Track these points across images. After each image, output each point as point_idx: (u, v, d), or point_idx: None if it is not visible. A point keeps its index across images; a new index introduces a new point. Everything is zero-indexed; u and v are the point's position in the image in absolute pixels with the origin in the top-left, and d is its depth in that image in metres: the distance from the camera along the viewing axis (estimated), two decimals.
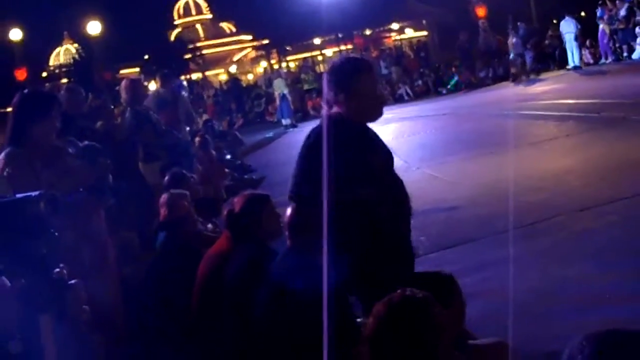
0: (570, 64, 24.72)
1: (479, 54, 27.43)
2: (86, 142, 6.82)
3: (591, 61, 25.13)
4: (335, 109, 4.21)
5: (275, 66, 49.92)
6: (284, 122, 24.88)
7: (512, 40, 25.96)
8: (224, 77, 42.65)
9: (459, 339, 3.54)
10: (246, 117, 28.19)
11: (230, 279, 4.72)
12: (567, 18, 25.33)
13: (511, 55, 26.30)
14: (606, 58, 24.91)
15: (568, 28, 24.95)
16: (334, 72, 4.27)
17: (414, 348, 2.76)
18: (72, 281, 3.04)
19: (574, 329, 5.09)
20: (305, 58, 38.46)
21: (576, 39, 24.83)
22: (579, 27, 25.09)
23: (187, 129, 11.69)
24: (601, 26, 25.22)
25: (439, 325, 2.83)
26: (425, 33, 41.81)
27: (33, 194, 2.92)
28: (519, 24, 26.60)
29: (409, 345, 2.76)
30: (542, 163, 10.68)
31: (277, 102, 25.46)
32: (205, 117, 23.02)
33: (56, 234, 2.93)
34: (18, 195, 2.96)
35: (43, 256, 2.87)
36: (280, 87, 25.03)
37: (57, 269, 2.95)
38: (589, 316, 5.14)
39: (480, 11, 30.25)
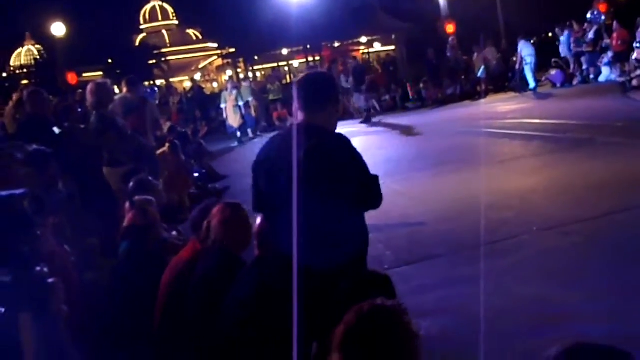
0: (532, 85, 24.94)
1: (447, 70, 27.59)
2: (34, 147, 6.68)
3: (558, 83, 25.35)
4: (304, 119, 4.20)
5: (242, 75, 49.94)
6: (238, 133, 24.66)
7: (479, 57, 26.20)
8: (188, 85, 42.46)
9: None
10: (210, 125, 28.03)
11: (196, 287, 4.66)
12: (523, 41, 25.52)
13: (479, 73, 26.53)
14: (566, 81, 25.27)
15: (527, 50, 25.22)
16: (315, 84, 4.33)
17: (385, 357, 2.73)
18: (51, 280, 2.99)
19: (535, 348, 5.11)
20: (272, 68, 38.38)
21: (532, 62, 25.08)
22: (533, 50, 25.39)
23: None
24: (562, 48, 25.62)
25: (411, 334, 2.81)
26: (393, 48, 42.03)
27: (17, 191, 2.87)
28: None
29: (380, 355, 2.73)
30: (508, 182, 10.73)
31: (240, 112, 25.23)
32: (169, 124, 22.85)
33: (38, 232, 2.88)
34: (2, 193, 2.91)
35: (25, 254, 2.83)
36: (246, 95, 24.88)
37: (39, 268, 2.91)
38: (549, 335, 5.15)
39: (450, 27, 30.46)
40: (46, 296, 2.88)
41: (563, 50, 26.02)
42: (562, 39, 26.13)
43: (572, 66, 25.61)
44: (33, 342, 2.73)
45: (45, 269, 2.93)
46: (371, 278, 3.82)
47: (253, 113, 24.97)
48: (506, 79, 26.86)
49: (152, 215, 5.94)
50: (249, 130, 24.44)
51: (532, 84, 24.88)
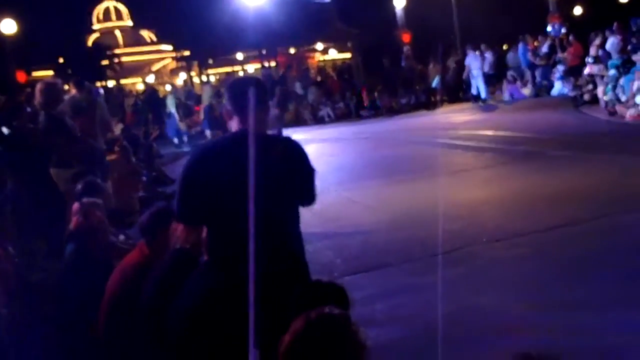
0: (483, 96, 25.16)
1: (402, 79, 27.73)
2: None
3: (514, 95, 25.61)
4: (242, 125, 4.14)
5: (195, 79, 49.68)
6: (175, 139, 24.61)
7: (435, 67, 26.40)
8: (141, 87, 42.12)
9: None
10: (162, 128, 27.80)
11: (153, 289, 4.56)
12: (471, 53, 25.72)
13: (434, 83, 26.70)
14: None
15: (474, 63, 25.39)
16: (259, 87, 4.27)
17: None
18: None
19: (484, 357, 5.14)
20: (227, 72, 38.26)
21: (484, 74, 25.33)
22: (487, 61, 25.63)
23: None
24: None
25: (358, 343, 2.79)
26: (349, 55, 42.14)
27: None
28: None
29: None
30: (460, 192, 10.78)
31: (202, 114, 25.14)
32: (120, 126, 22.58)
33: None
34: None
35: None
36: (209, 97, 24.77)
37: None
38: (498, 344, 5.19)
39: (405, 37, 30.64)
40: None
41: (513, 63, 26.39)
42: (511, 53, 26.53)
43: (525, 78, 25.92)
44: None
45: None
46: (326, 288, 3.79)
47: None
48: (461, 90, 27.06)
49: (98, 218, 5.83)
50: (208, 133, 24.36)
51: (483, 94, 25.11)
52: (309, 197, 4.22)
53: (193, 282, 4.20)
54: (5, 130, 8.48)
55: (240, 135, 4.03)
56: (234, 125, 4.16)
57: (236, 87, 4.29)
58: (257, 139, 4.02)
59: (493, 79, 26.36)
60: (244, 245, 3.63)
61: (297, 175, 4.11)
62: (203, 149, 4.40)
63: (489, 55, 26.13)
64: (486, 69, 25.55)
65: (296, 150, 4.18)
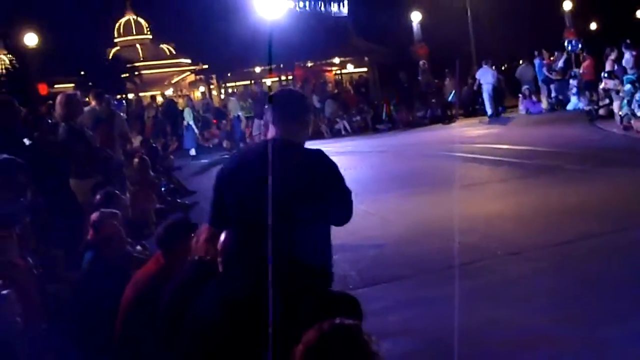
0: (488, 112, 25.20)
1: (418, 93, 27.77)
2: (4, 156, 6.59)
3: (529, 109, 25.61)
4: (279, 135, 4.20)
5: (214, 92, 49.85)
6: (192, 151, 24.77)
7: (451, 82, 26.46)
8: (160, 99, 42.34)
9: None
10: (180, 140, 27.92)
11: (169, 299, 4.61)
12: (484, 67, 25.84)
13: (450, 97, 26.75)
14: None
15: (485, 78, 25.45)
16: (291, 100, 4.43)
17: None
18: (5, 292, 2.94)
19: None
20: (245, 85, 38.38)
21: (494, 89, 25.36)
22: (497, 76, 25.65)
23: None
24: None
25: (370, 354, 2.81)
26: (366, 69, 42.19)
27: None
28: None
29: None
30: (475, 206, 10.79)
31: (229, 124, 25.25)
32: (139, 138, 22.71)
33: None
34: None
35: None
36: (235, 108, 24.88)
37: None
38: (513, 359, 5.18)
39: (422, 52, 30.69)
40: None
41: (524, 77, 26.41)
42: (523, 68, 26.55)
43: (542, 93, 25.94)
44: None
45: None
46: (339, 298, 3.82)
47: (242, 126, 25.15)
48: (476, 104, 27.08)
49: (115, 228, 5.90)
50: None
51: (488, 111, 25.12)
52: (338, 215, 4.22)
53: (208, 292, 4.25)
54: (26, 141, 8.57)
55: (271, 144, 4.09)
56: (270, 134, 4.28)
57: (275, 99, 4.42)
58: (288, 149, 4.11)
59: (509, 94, 26.38)
60: (262, 254, 3.70)
61: (324, 190, 4.09)
62: (236, 156, 4.49)
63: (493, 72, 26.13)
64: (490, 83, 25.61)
65: (326, 166, 4.17)
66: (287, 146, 4.13)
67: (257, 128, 23.94)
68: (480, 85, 25.38)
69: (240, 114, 24.83)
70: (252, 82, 39.76)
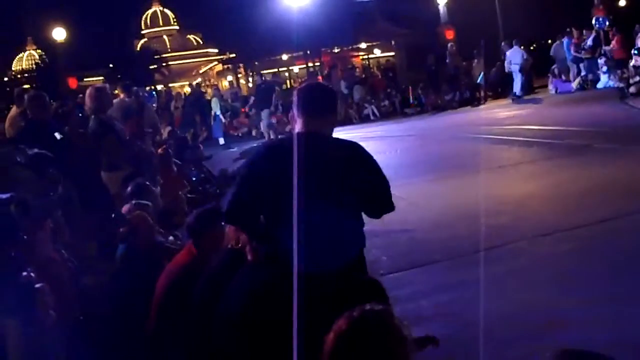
0: (517, 93, 25.03)
1: (446, 76, 27.63)
2: (35, 151, 6.66)
3: (559, 89, 25.42)
4: (306, 127, 4.23)
5: (242, 80, 49.96)
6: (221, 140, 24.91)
7: (479, 63, 26.31)
8: (188, 90, 42.60)
9: None
10: (210, 130, 28.04)
11: (202, 288, 4.64)
12: (515, 47, 25.67)
13: (478, 79, 26.59)
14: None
15: (515, 58, 25.31)
16: (319, 93, 4.46)
17: None
18: (39, 285, 2.98)
19: (532, 354, 5.14)
20: (273, 73, 38.43)
21: (521, 69, 25.20)
22: (525, 57, 25.46)
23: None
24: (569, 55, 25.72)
25: (402, 338, 2.81)
26: (393, 54, 42.05)
27: (3, 196, 2.86)
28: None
29: None
30: (505, 187, 10.75)
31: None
32: (169, 128, 22.83)
33: (25, 237, 2.87)
34: None
35: (11, 259, 2.81)
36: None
37: (25, 273, 2.89)
38: (546, 341, 5.16)
39: (449, 34, 30.51)
40: (32, 302, 2.85)
41: (558, 55, 26.21)
42: (556, 46, 26.34)
43: (571, 72, 25.69)
44: (19, 347, 2.71)
45: (32, 274, 2.91)
46: (359, 284, 3.83)
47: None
48: (506, 85, 26.88)
49: (147, 219, 5.96)
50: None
51: (517, 91, 24.98)
52: (375, 205, 4.28)
53: (239, 281, 4.28)
54: (57, 135, 8.67)
55: (300, 136, 4.15)
56: (297, 127, 4.30)
57: (301, 92, 4.42)
58: (319, 141, 4.13)
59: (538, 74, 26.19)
60: (291, 243, 3.72)
61: (358, 179, 4.12)
62: (266, 146, 4.53)
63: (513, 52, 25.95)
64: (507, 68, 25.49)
65: (360, 154, 4.23)
66: (318, 138, 4.17)
67: (266, 117, 23.76)
68: (510, 65, 25.26)
69: (279, 102, 24.74)
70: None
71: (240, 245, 4.42)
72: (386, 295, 3.86)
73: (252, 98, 25.75)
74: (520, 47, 25.81)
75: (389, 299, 3.89)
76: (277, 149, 4.41)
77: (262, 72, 37.95)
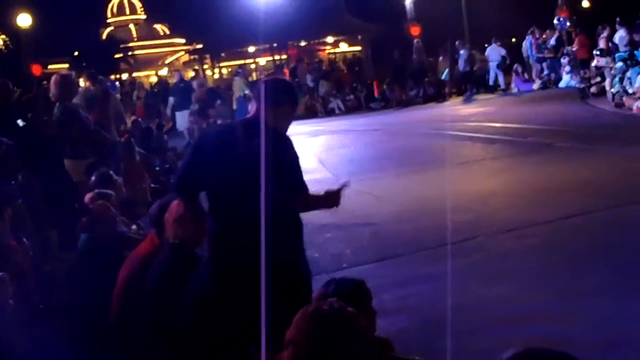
0: (499, 88, 25.45)
1: (412, 72, 27.73)
2: None
3: (519, 87, 25.73)
4: (256, 115, 4.36)
5: (208, 72, 49.70)
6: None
7: (444, 60, 26.54)
8: (154, 79, 42.21)
9: (382, 354, 3.56)
10: (174, 120, 27.84)
11: (151, 283, 4.65)
12: (493, 45, 26.15)
13: (443, 75, 26.76)
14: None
15: (493, 55, 25.81)
16: (281, 87, 4.62)
17: (338, 356, 2.74)
18: None
19: (494, 347, 5.16)
20: (239, 65, 38.27)
21: (498, 66, 25.71)
22: (503, 54, 25.84)
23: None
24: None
25: (365, 336, 2.83)
26: (359, 48, 42.09)
27: None
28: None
29: (332, 353, 2.73)
30: (468, 184, 10.82)
31: (235, 105, 25.04)
32: (133, 118, 22.64)
33: None
34: None
35: None
36: (241, 88, 24.74)
37: None
38: (509, 334, 5.21)
39: (415, 30, 30.61)
40: None
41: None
42: (524, 44, 26.68)
43: (533, 71, 25.98)
44: None
45: None
46: (345, 285, 3.83)
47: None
48: (469, 82, 27.08)
49: (110, 209, 5.92)
50: None
51: (499, 87, 25.49)
52: (289, 186, 4.30)
53: (197, 277, 4.33)
54: (20, 122, 8.56)
55: (249, 122, 4.37)
56: (251, 112, 4.50)
57: (262, 84, 4.53)
58: (259, 129, 4.19)
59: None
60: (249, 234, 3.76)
61: (292, 170, 4.27)
62: (214, 129, 4.65)
63: (464, 53, 26.26)
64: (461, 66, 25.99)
65: (294, 150, 4.35)
66: (259, 125, 4.24)
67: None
68: (489, 62, 25.74)
69: (246, 92, 24.61)
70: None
71: (177, 240, 4.53)
72: (370, 296, 3.90)
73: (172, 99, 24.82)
74: (498, 44, 26.22)
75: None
76: (223, 132, 4.66)
77: (228, 63, 37.80)
